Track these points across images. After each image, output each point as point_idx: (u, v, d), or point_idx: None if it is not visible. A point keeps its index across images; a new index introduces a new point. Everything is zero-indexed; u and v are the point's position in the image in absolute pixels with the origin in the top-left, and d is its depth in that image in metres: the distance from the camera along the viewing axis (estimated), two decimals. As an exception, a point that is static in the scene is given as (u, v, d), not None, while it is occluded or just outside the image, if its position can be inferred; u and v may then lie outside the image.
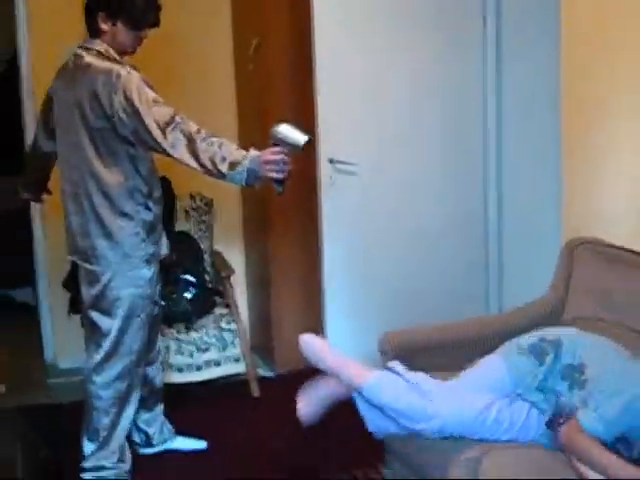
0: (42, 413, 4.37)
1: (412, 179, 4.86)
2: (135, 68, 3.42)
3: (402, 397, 3.03)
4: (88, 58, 3.39)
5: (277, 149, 3.19)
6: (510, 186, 5.04)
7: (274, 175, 3.19)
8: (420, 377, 3.12)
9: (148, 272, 3.53)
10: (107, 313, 3.51)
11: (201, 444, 4.06)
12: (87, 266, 3.53)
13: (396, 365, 3.18)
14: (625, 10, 3.58)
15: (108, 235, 3.45)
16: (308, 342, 3.39)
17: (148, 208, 3.51)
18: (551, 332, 3.27)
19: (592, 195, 3.90)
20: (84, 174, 3.44)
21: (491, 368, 3.20)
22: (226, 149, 3.20)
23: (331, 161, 4.62)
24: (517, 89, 4.92)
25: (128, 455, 3.71)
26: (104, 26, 3.41)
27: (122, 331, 3.52)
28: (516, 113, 4.95)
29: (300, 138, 3.21)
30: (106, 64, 3.35)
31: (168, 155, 3.27)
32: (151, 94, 3.30)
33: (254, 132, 5.04)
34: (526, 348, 3.18)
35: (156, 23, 3.49)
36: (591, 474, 2.74)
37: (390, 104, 4.76)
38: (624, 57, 3.61)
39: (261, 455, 4.06)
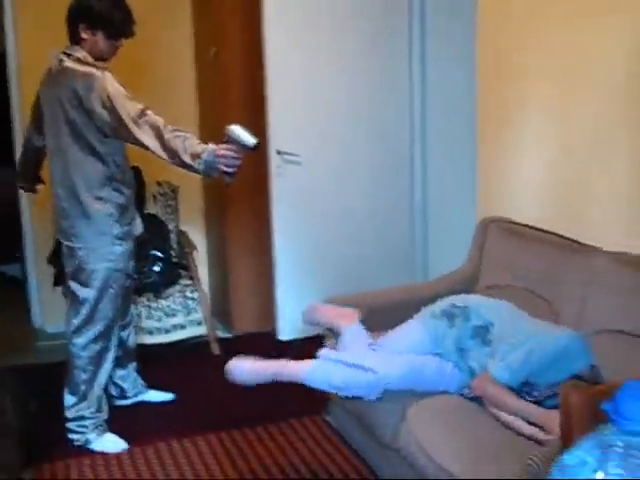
0: (31, 372, 4.39)
1: (347, 166, 4.93)
2: (109, 71, 3.42)
3: (348, 379, 3.06)
4: (68, 63, 3.39)
5: (229, 146, 3.23)
6: (433, 172, 5.12)
7: (224, 168, 3.23)
8: (355, 355, 3.17)
9: (120, 248, 3.54)
10: (84, 284, 3.53)
11: (169, 396, 4.11)
12: (68, 243, 3.55)
13: (328, 352, 3.22)
14: (532, 9, 3.64)
15: (86, 216, 3.47)
16: (237, 367, 3.24)
17: (121, 192, 3.53)
18: (460, 299, 3.36)
19: (502, 180, 3.98)
20: (68, 164, 3.45)
21: (412, 332, 3.29)
22: (189, 143, 3.23)
23: (279, 152, 4.69)
24: (440, 85, 5.00)
25: (105, 406, 3.75)
26: (84, 35, 3.41)
27: (97, 300, 3.54)
28: (439, 108, 5.03)
29: (249, 140, 3.24)
30: (84, 68, 3.36)
31: (139, 144, 3.31)
32: (123, 91, 3.32)
33: (213, 128, 5.07)
34: (439, 313, 3.28)
35: (131, 34, 3.51)
36: (503, 416, 2.85)
37: (328, 104, 4.83)
38: (533, 56, 3.66)
39: (218, 404, 4.12)
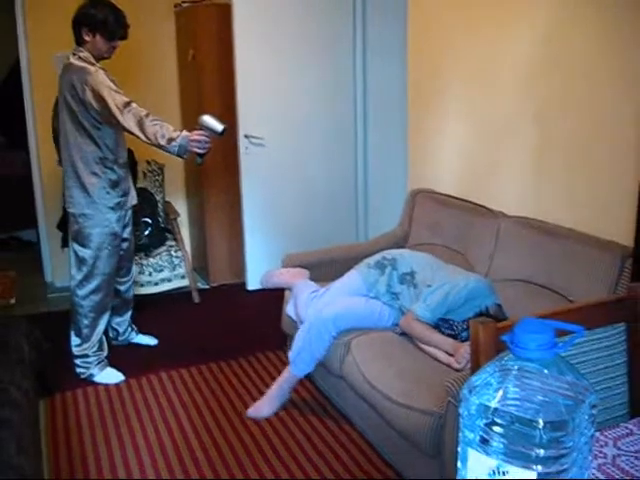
0: (43, 318, 4.34)
1: (303, 147, 4.91)
2: (104, 69, 3.37)
3: (315, 344, 3.07)
4: (73, 60, 3.35)
5: (201, 132, 3.23)
6: (373, 151, 5.13)
7: (197, 150, 3.23)
8: (302, 310, 3.27)
9: (113, 216, 3.49)
10: (83, 245, 3.50)
11: (153, 341, 4.06)
12: (70, 210, 3.51)
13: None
14: (450, 19, 3.64)
15: (83, 188, 3.43)
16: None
17: (113, 170, 3.46)
18: (389, 252, 3.39)
19: (427, 159, 3.99)
20: (70, 145, 3.40)
21: (351, 280, 3.31)
22: (165, 129, 3.22)
23: (246, 136, 4.65)
24: (378, 78, 4.99)
25: (105, 345, 3.72)
26: (86, 37, 3.35)
27: (94, 258, 3.50)
28: (377, 98, 5.03)
29: (218, 126, 3.22)
30: (82, 64, 3.31)
31: (124, 129, 3.29)
32: (112, 86, 3.28)
33: (192, 115, 5.01)
34: (372, 264, 3.30)
35: (125, 36, 3.46)
36: (426, 348, 2.88)
37: (287, 95, 4.79)
38: (451, 58, 3.67)
39: (198, 343, 4.10)
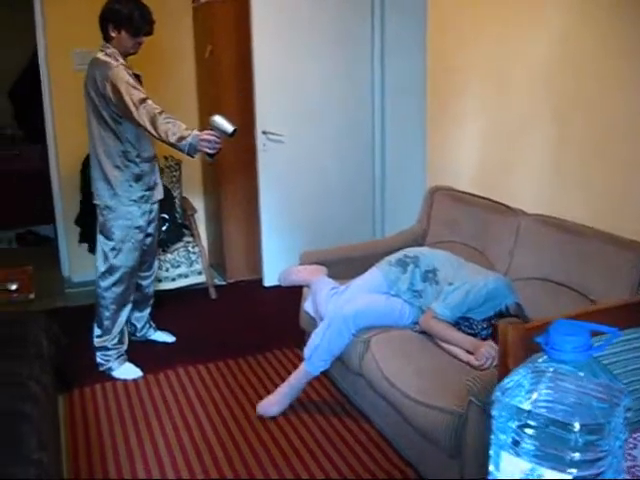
0: (61, 313, 4.35)
1: (320, 144, 4.90)
2: (127, 66, 3.38)
3: (334, 341, 3.05)
4: (99, 55, 3.38)
5: (211, 132, 3.24)
6: (390, 148, 5.11)
7: (206, 150, 3.24)
8: (322, 306, 3.25)
9: (137, 209, 3.51)
10: (107, 237, 3.52)
11: (171, 338, 4.05)
12: (95, 202, 3.54)
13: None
14: (470, 19, 3.62)
15: (106, 180, 3.45)
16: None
17: (136, 164, 3.47)
18: (411, 250, 3.37)
19: (444, 156, 3.97)
20: (95, 139, 3.44)
21: (372, 278, 3.29)
22: (177, 127, 3.22)
23: (264, 132, 4.64)
24: (396, 75, 4.95)
25: (125, 339, 3.73)
26: (112, 33, 3.37)
27: (118, 251, 3.52)
28: (395, 97, 4.99)
29: (229, 127, 3.24)
30: (106, 59, 3.33)
31: (138, 124, 3.30)
32: (131, 81, 3.29)
33: (209, 112, 5.00)
34: (394, 262, 3.28)
35: (150, 32, 3.47)
36: (446, 346, 2.86)
37: (305, 91, 4.78)
38: (470, 57, 3.64)
39: (215, 339, 4.10)
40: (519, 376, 1.04)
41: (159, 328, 4.08)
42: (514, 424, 1.02)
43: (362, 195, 5.12)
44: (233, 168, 4.94)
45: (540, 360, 1.00)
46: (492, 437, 1.04)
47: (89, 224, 4.60)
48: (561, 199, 3.09)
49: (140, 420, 3.21)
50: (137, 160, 3.48)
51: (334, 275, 3.55)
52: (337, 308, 3.11)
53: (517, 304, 2.90)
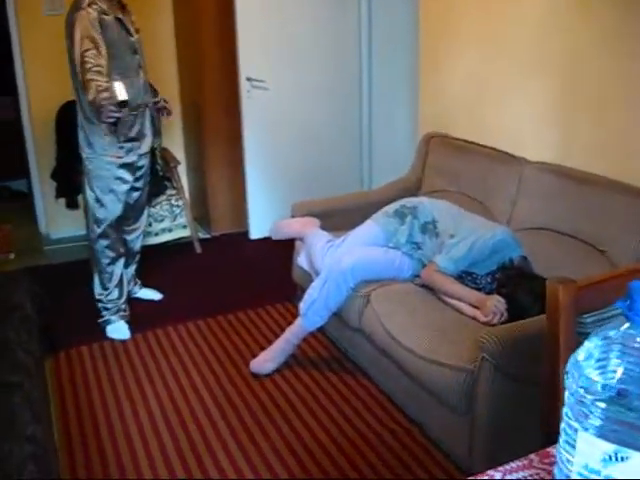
0: (41, 272, 4.19)
1: (307, 91, 4.73)
2: (105, 9, 3.13)
3: (331, 295, 2.93)
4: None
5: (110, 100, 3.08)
6: (377, 95, 4.94)
7: (103, 118, 3.09)
8: (317, 259, 3.13)
9: (115, 160, 3.33)
10: (90, 188, 3.38)
11: (158, 295, 3.91)
12: (80, 153, 3.38)
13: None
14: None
15: (83, 130, 3.30)
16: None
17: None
18: (409, 200, 3.25)
19: (438, 102, 3.82)
20: (74, 90, 3.26)
21: (369, 230, 3.17)
22: (95, 86, 3.04)
23: (248, 79, 4.45)
24: (384, 22, 4.76)
25: (125, 293, 3.60)
26: None
27: (100, 202, 3.38)
28: (383, 41, 4.81)
29: (118, 95, 3.07)
30: (83, 4, 3.09)
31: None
32: (87, 31, 3.06)
33: (189, 62, 4.80)
34: (392, 213, 3.16)
35: None
36: (449, 300, 2.77)
37: (290, 36, 4.58)
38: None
39: (203, 295, 3.98)
40: (591, 344, 0.94)
41: (145, 285, 3.93)
42: (587, 399, 0.91)
43: (349, 143, 4.97)
44: (216, 116, 4.73)
45: (614, 330, 0.89)
46: (564, 413, 0.93)
47: (66, 178, 4.42)
48: (566, 146, 2.98)
49: (131, 383, 3.09)
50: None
51: (327, 227, 3.43)
52: (334, 262, 2.99)
53: (523, 257, 2.81)
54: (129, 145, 3.36)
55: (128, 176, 3.41)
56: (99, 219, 3.41)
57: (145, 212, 3.77)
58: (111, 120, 3.10)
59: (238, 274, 4.26)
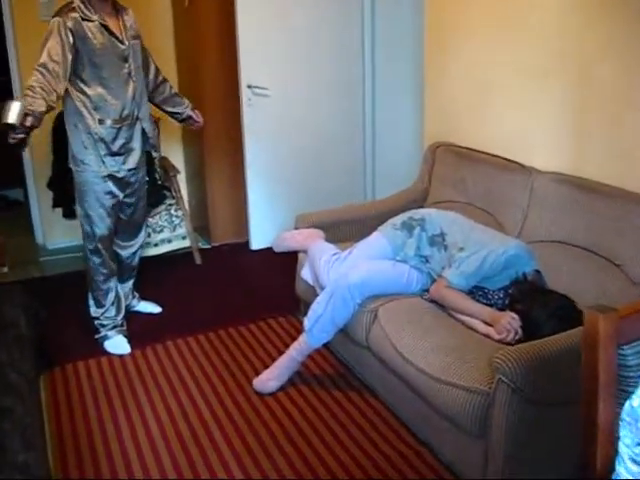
0: (37, 284, 4.08)
1: (309, 98, 4.62)
2: (90, 15, 3.00)
3: (337, 311, 2.80)
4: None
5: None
6: (381, 104, 4.84)
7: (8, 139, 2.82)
8: (322, 274, 3.01)
9: (96, 174, 3.17)
10: (78, 202, 3.26)
11: (157, 308, 3.79)
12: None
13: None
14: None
15: (70, 142, 3.17)
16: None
17: (88, 126, 3.12)
18: (416, 212, 3.14)
19: (445, 111, 3.71)
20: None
21: (376, 243, 3.06)
22: (29, 101, 2.82)
23: (249, 86, 4.34)
24: (388, 27, 4.64)
25: (122, 310, 3.48)
26: None
27: (86, 217, 3.24)
28: (387, 48, 4.70)
29: (6, 118, 2.74)
30: (65, 7, 3.00)
31: None
32: (51, 42, 2.92)
33: (188, 68, 4.69)
34: (399, 225, 3.05)
35: None
36: (460, 317, 2.66)
37: (292, 43, 4.47)
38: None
39: (204, 307, 3.85)
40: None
41: (143, 298, 3.81)
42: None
43: (352, 152, 4.85)
44: (216, 125, 4.62)
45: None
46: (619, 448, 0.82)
47: (62, 187, 4.30)
48: (579, 155, 2.86)
49: (129, 401, 2.96)
50: (90, 122, 3.11)
51: (332, 239, 3.32)
52: (340, 276, 2.87)
53: (536, 271, 2.70)
54: (113, 160, 3.20)
55: (117, 191, 3.26)
56: (89, 235, 3.27)
57: (143, 230, 3.61)
58: (12, 142, 2.82)
59: (239, 286, 4.14)
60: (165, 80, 3.54)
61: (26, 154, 4.63)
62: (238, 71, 4.29)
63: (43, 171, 4.47)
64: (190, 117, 3.61)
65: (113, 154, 3.19)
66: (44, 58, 2.92)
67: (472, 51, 3.42)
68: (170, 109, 3.59)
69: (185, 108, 3.58)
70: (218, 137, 4.66)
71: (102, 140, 3.15)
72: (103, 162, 3.17)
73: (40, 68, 2.91)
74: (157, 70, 3.50)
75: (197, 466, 2.53)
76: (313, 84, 4.58)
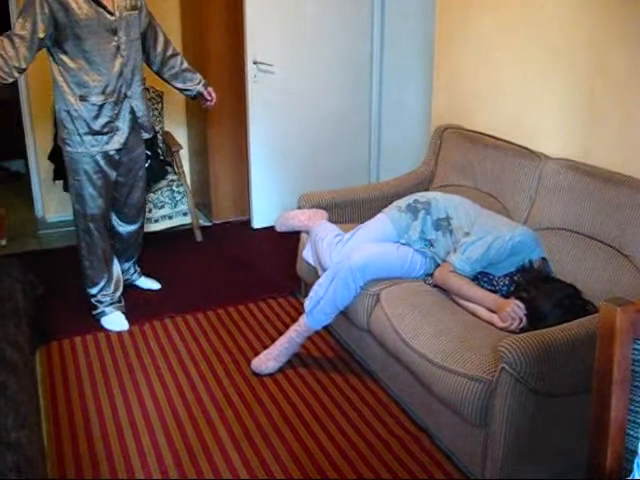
0: (35, 257, 4.03)
1: (316, 76, 4.55)
2: None
3: (339, 293, 2.76)
4: None
5: None
6: (388, 83, 4.76)
7: None
8: (324, 255, 2.96)
9: (84, 152, 3.07)
10: (70, 181, 3.17)
11: (156, 285, 3.73)
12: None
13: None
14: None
15: (59, 119, 3.07)
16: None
17: (68, 101, 3.01)
18: (422, 195, 3.08)
19: (453, 92, 3.64)
20: None
21: (380, 225, 3.00)
22: None
23: (255, 62, 4.26)
24: (398, 7, 4.55)
25: (120, 287, 3.42)
26: None
27: (76, 196, 3.15)
28: (396, 26, 4.61)
29: None
30: None
31: None
32: (24, 15, 2.80)
33: (193, 42, 4.61)
34: (404, 208, 2.99)
35: None
36: (464, 302, 2.61)
37: (299, 20, 4.39)
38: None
39: (203, 285, 3.81)
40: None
41: (143, 274, 3.76)
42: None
43: (358, 132, 4.78)
44: (220, 100, 4.48)
45: None
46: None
47: (63, 160, 4.24)
48: (591, 143, 2.80)
49: (126, 378, 2.92)
50: (70, 98, 3.00)
51: (335, 220, 3.27)
52: (343, 258, 2.82)
53: (543, 259, 2.65)
54: (92, 140, 3.06)
55: (108, 170, 3.15)
56: (80, 214, 3.18)
57: (142, 215, 3.53)
58: None
59: (239, 265, 4.09)
60: (176, 54, 3.36)
61: (27, 125, 4.56)
62: (244, 47, 4.21)
63: (45, 143, 4.41)
64: (202, 94, 3.46)
65: (95, 133, 3.05)
66: (15, 28, 2.81)
67: (483, 34, 3.34)
68: (180, 85, 3.42)
69: (196, 84, 3.43)
70: (222, 113, 4.57)
71: (81, 118, 3.02)
72: (83, 141, 3.05)
73: (4, 38, 2.81)
74: (166, 43, 3.32)
75: (192, 445, 2.49)
76: (320, 62, 4.51)
